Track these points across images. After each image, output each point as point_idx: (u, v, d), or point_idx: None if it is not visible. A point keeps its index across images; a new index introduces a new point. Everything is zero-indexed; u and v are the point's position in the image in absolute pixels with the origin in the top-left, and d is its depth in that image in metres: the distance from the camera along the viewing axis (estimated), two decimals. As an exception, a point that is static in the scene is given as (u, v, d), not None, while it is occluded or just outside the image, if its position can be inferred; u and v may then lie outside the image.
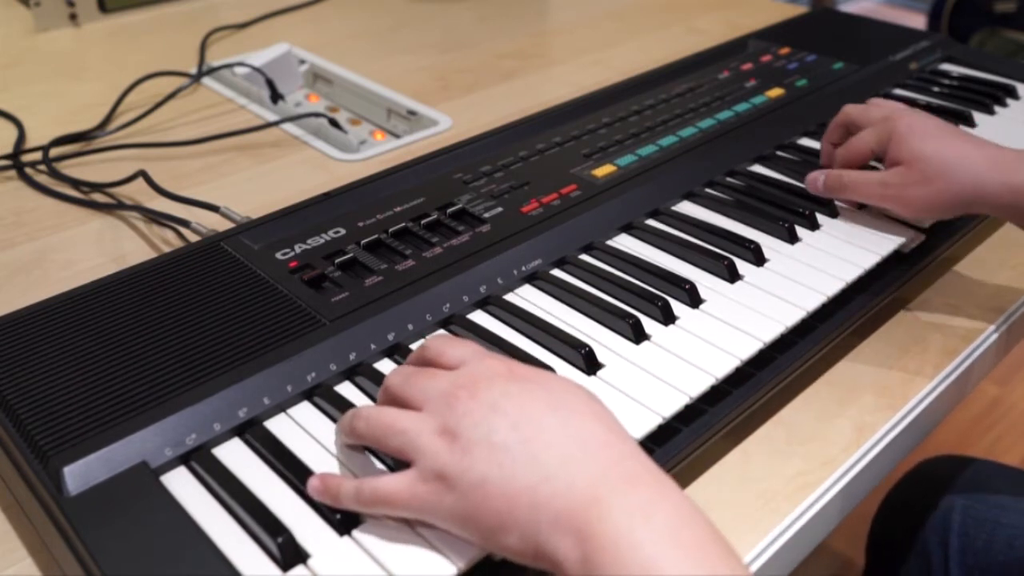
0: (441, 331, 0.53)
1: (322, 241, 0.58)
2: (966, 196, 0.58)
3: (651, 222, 0.63)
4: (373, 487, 0.39)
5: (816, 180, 0.64)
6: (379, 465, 0.43)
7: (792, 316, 0.54)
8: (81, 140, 0.83)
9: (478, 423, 0.38)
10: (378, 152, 0.81)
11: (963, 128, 0.77)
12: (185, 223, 0.67)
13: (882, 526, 0.80)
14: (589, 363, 0.50)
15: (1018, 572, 0.67)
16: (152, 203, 0.72)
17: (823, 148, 0.68)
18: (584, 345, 0.50)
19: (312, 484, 0.41)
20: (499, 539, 0.36)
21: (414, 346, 0.51)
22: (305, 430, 0.46)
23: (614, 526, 0.34)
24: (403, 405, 0.41)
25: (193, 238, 0.66)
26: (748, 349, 0.51)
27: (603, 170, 0.67)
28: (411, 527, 0.40)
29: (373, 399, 0.48)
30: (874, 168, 0.64)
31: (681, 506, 0.35)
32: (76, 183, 0.76)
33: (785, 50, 0.91)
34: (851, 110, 0.66)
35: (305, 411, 0.47)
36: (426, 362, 0.43)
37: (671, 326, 0.53)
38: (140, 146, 0.81)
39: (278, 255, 0.56)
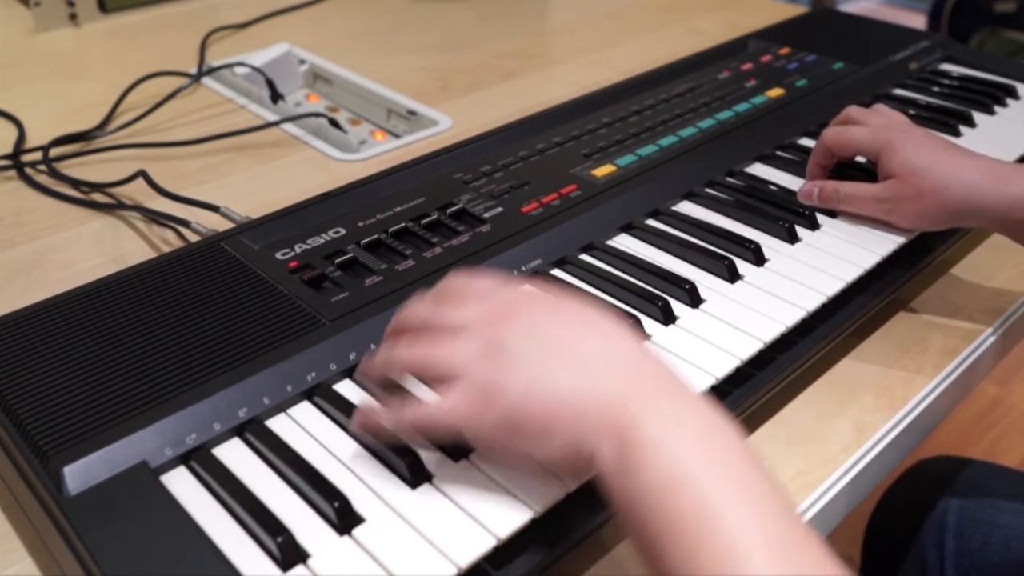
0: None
1: (322, 241, 0.58)
2: (959, 209, 0.58)
3: (651, 222, 0.63)
4: (416, 412, 0.41)
5: (811, 192, 0.64)
6: (384, 467, 0.43)
7: (792, 316, 0.54)
8: (81, 140, 0.83)
9: (519, 340, 0.40)
10: (378, 152, 0.81)
11: (964, 131, 0.78)
12: (185, 223, 0.67)
13: (878, 526, 0.80)
14: (589, 363, 0.50)
15: (1014, 573, 0.67)
16: (152, 203, 0.72)
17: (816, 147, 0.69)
18: (584, 345, 0.50)
19: (354, 418, 0.43)
20: (542, 446, 0.39)
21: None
22: (305, 430, 0.46)
23: (648, 430, 0.36)
24: (437, 336, 0.42)
25: (193, 238, 0.66)
26: (748, 349, 0.51)
27: (603, 170, 0.67)
28: (411, 526, 0.40)
29: (373, 399, 0.48)
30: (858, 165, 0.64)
31: (710, 418, 0.37)
32: (76, 183, 0.76)
33: (785, 50, 0.91)
34: (853, 111, 0.66)
35: (305, 411, 0.47)
36: (447, 298, 0.44)
37: (671, 326, 0.53)
38: (140, 146, 0.81)
39: (278, 255, 0.56)
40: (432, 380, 0.43)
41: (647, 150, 0.70)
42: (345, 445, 0.45)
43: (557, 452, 0.39)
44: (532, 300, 0.42)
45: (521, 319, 0.41)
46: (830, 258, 0.59)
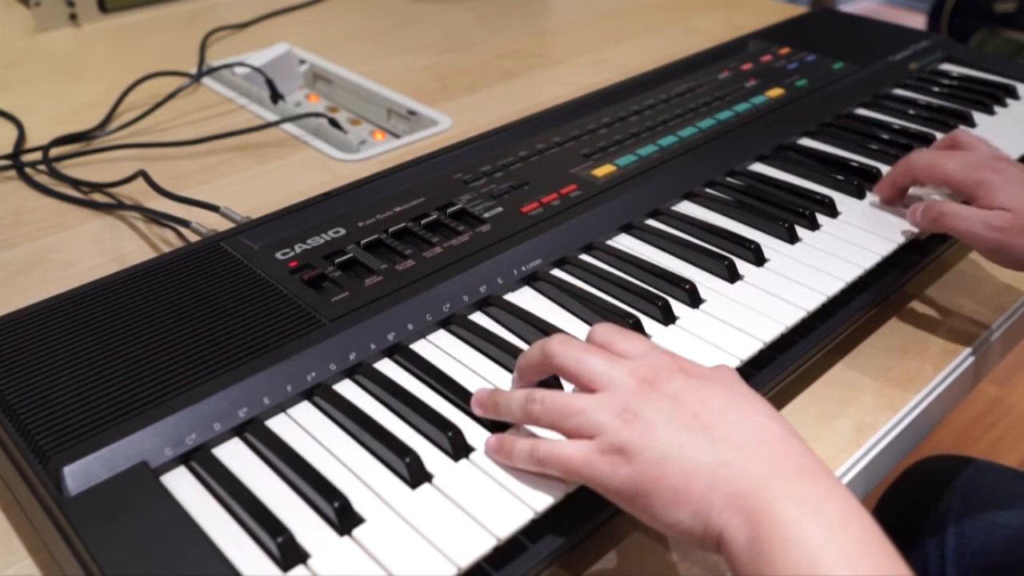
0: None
1: (322, 241, 0.58)
2: None
3: (651, 222, 0.63)
4: (550, 448, 0.41)
5: (915, 210, 0.62)
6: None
7: (792, 316, 0.54)
8: (81, 140, 0.83)
9: (660, 409, 0.40)
10: (378, 152, 0.81)
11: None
12: (185, 223, 0.67)
13: (879, 525, 0.80)
14: (589, 363, 0.50)
15: (1016, 573, 0.67)
16: (152, 203, 0.72)
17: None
18: (584, 345, 0.50)
19: (489, 443, 0.43)
20: (671, 514, 0.38)
21: (415, 346, 0.51)
22: (305, 430, 0.46)
23: (784, 512, 0.36)
24: (574, 380, 0.42)
25: (193, 238, 0.66)
26: (748, 349, 0.51)
27: (603, 170, 0.67)
28: (411, 526, 0.40)
29: (373, 399, 0.48)
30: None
31: (849, 503, 0.37)
32: (76, 183, 0.76)
33: (785, 50, 0.91)
34: (962, 135, 0.64)
35: (305, 411, 0.47)
36: (594, 344, 0.44)
37: (671, 326, 0.53)
38: (140, 146, 0.81)
39: (278, 255, 0.56)
40: (564, 433, 0.42)
41: (647, 150, 0.70)
42: (345, 445, 0.45)
43: (684, 523, 0.38)
44: (677, 372, 0.42)
45: (664, 390, 0.41)
46: (830, 258, 0.59)
